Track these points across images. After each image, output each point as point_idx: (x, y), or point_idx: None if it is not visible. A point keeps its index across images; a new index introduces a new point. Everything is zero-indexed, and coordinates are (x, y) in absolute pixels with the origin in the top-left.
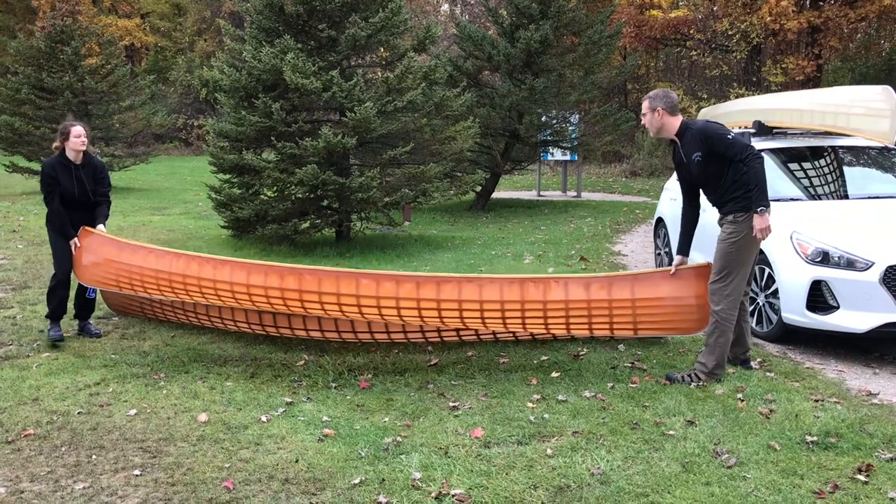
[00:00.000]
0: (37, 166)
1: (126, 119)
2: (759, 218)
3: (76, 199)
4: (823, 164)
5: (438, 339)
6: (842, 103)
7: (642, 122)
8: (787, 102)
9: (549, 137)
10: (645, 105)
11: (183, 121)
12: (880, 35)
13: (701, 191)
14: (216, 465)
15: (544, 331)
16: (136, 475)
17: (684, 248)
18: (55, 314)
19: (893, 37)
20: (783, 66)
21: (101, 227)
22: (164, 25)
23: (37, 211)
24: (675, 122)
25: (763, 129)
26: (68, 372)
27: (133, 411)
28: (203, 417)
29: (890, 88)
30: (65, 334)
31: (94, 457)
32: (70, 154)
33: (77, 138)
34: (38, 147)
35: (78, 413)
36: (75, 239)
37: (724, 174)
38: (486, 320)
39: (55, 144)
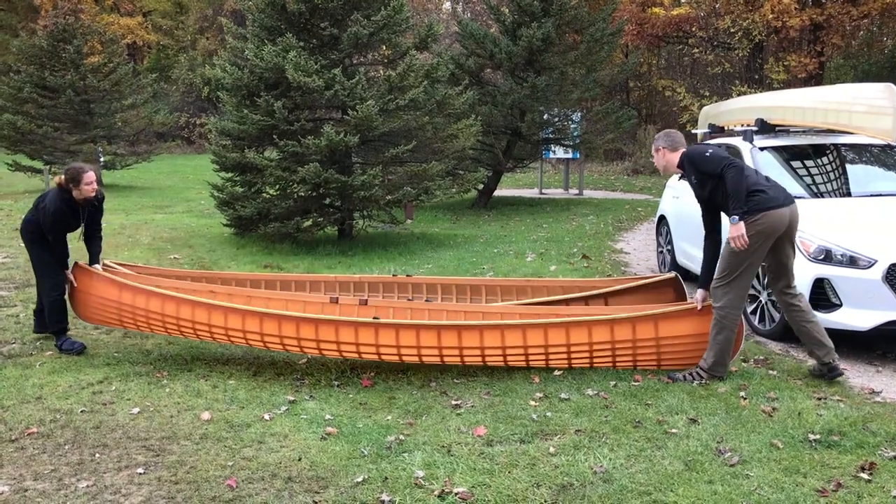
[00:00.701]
0: (39, 165)
1: (128, 117)
2: (733, 227)
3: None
4: (826, 162)
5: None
6: (844, 101)
7: (655, 164)
8: (789, 100)
9: (551, 135)
10: (652, 148)
11: (185, 119)
12: (882, 32)
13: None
14: (219, 464)
15: (567, 366)
16: (140, 473)
17: (706, 283)
18: (63, 328)
19: None
20: (785, 63)
21: (97, 266)
22: (167, 24)
23: None
24: (676, 157)
25: (766, 127)
26: (71, 370)
27: (136, 410)
28: (206, 416)
29: (892, 86)
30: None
31: (97, 455)
32: (78, 197)
33: (88, 185)
34: (41, 146)
35: (81, 411)
36: (70, 274)
37: (719, 189)
38: (509, 361)
39: (58, 180)
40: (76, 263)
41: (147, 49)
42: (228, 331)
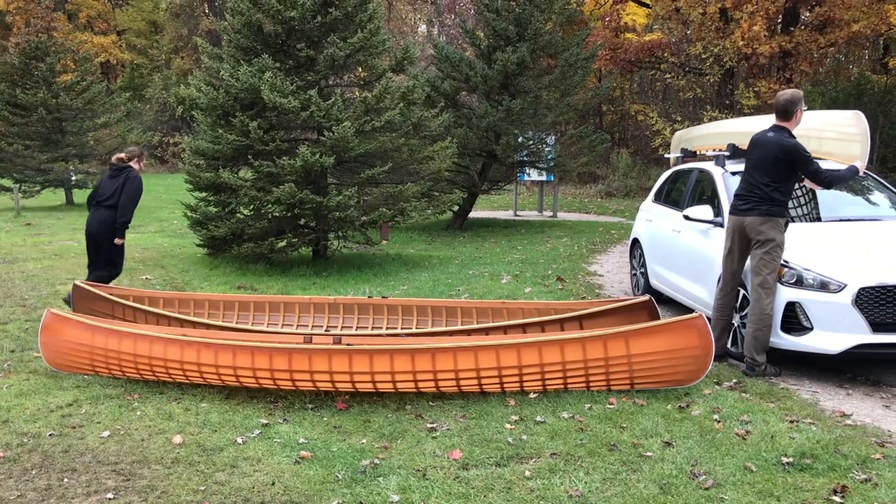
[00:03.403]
0: (9, 183)
1: (101, 136)
2: None
3: None
4: (796, 188)
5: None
6: (814, 127)
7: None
8: (760, 126)
9: (525, 158)
10: None
11: (159, 138)
12: (849, 60)
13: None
14: (191, 489)
15: (541, 388)
16: (110, 499)
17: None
18: None
19: (861, 62)
20: (756, 89)
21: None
22: (141, 43)
23: (8, 228)
24: None
25: (737, 152)
26: (40, 393)
27: (106, 433)
28: (178, 439)
29: (860, 114)
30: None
31: (65, 480)
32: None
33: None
34: (11, 164)
35: (49, 435)
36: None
37: None
38: (484, 385)
39: (130, 157)
40: (49, 310)
41: (121, 68)
42: (201, 366)
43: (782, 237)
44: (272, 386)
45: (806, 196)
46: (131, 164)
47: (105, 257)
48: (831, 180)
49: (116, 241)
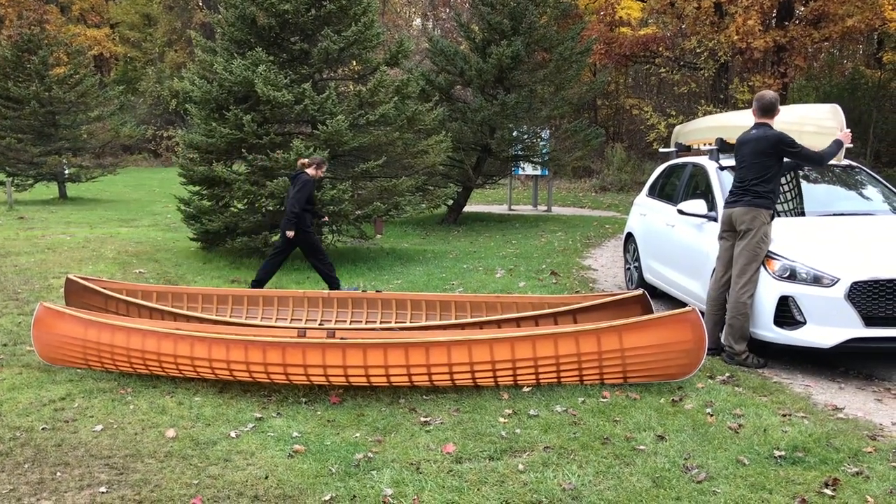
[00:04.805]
0: (1, 176)
1: (94, 129)
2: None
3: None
4: (787, 182)
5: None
6: (794, 121)
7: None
8: (742, 120)
9: (520, 152)
10: None
11: (152, 132)
12: (843, 55)
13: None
14: (184, 482)
15: (535, 382)
16: (102, 493)
17: None
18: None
19: (856, 57)
20: (750, 83)
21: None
22: (134, 36)
23: (1, 221)
24: None
25: (725, 147)
26: (32, 387)
27: (99, 427)
28: (171, 433)
29: (838, 107)
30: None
31: (58, 474)
32: (314, 176)
33: (322, 170)
34: (4, 157)
35: (42, 429)
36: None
37: None
38: (477, 379)
39: (310, 164)
40: (42, 304)
41: (114, 61)
42: (194, 360)
43: (766, 229)
44: (266, 380)
45: (795, 190)
46: (307, 170)
47: (310, 253)
48: (822, 157)
49: (288, 234)
